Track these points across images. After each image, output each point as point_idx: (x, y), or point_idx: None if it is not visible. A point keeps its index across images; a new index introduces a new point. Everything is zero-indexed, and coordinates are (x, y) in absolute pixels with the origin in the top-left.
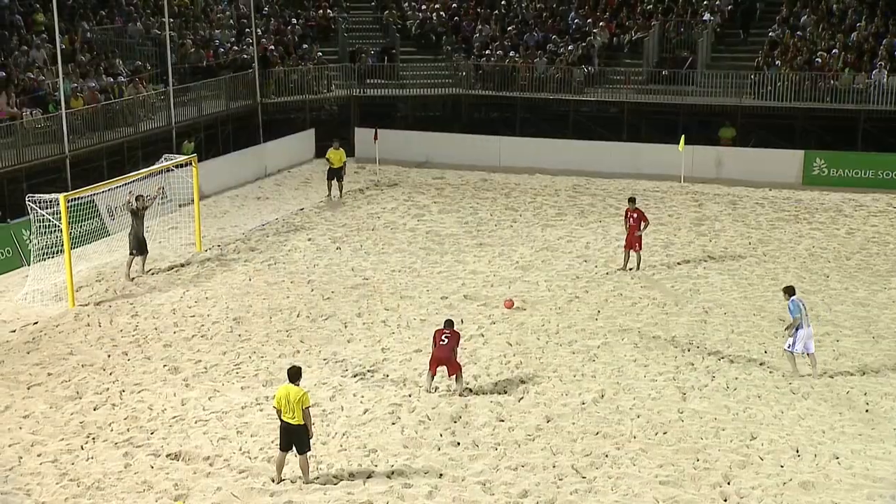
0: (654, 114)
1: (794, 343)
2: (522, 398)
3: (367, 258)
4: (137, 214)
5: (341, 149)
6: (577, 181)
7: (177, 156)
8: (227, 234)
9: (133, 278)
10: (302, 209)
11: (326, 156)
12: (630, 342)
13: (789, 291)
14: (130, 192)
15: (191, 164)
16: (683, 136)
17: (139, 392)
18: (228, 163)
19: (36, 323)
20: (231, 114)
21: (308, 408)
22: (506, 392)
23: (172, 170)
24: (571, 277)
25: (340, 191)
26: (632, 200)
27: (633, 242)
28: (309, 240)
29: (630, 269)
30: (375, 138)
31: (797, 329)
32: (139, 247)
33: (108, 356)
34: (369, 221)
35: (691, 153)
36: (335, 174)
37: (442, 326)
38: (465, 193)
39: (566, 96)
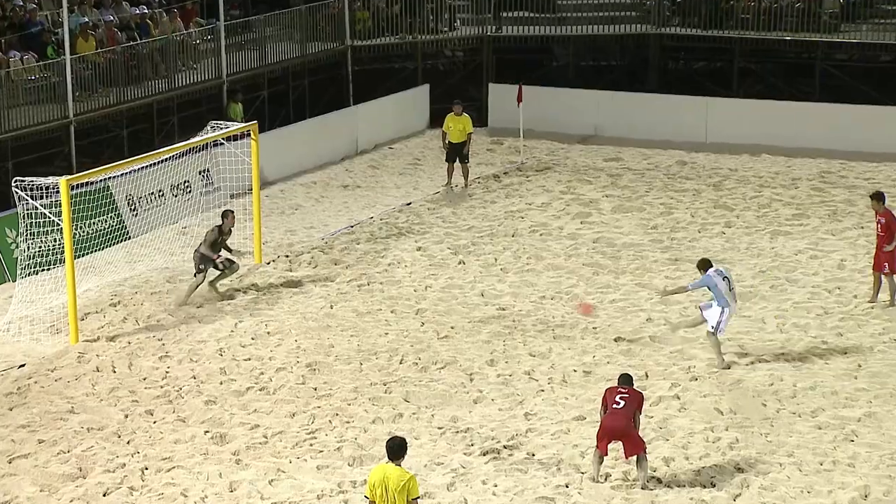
0: None
1: (719, 325)
2: (740, 495)
3: (503, 278)
4: (220, 239)
5: (466, 114)
6: (827, 165)
7: (229, 123)
8: (298, 239)
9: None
10: (409, 204)
11: (444, 125)
12: None
13: (703, 265)
14: (226, 213)
15: (248, 135)
16: None
17: (169, 470)
18: (303, 134)
19: (23, 366)
20: (308, 62)
21: (416, 500)
22: (713, 485)
23: (223, 143)
24: (817, 313)
25: (465, 177)
26: (877, 197)
27: (881, 261)
28: (419, 249)
29: (884, 302)
30: (519, 100)
31: (723, 309)
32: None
33: (126, 416)
34: (508, 223)
35: None
36: (457, 152)
37: (616, 383)
38: (654, 183)
39: (811, 37)
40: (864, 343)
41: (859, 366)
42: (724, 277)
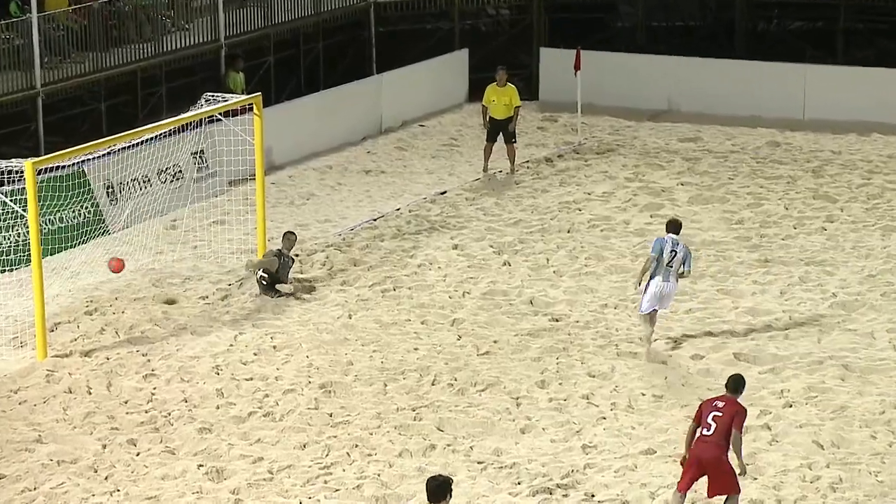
0: None
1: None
2: None
3: (557, 282)
4: (278, 266)
5: (511, 85)
6: None
7: (227, 95)
8: (311, 234)
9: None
10: (443, 193)
11: (485, 98)
12: None
13: (671, 226)
14: (288, 236)
15: (250, 109)
16: None
17: None
18: (316, 108)
19: None
20: (323, 22)
21: None
22: None
23: (220, 119)
24: None
25: (512, 161)
26: None
27: None
28: (455, 247)
29: None
30: (577, 68)
31: (650, 279)
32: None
33: (104, 447)
34: (563, 217)
35: None
36: (500, 131)
37: (715, 394)
38: (740, 168)
39: None
40: None
41: None
42: (672, 250)
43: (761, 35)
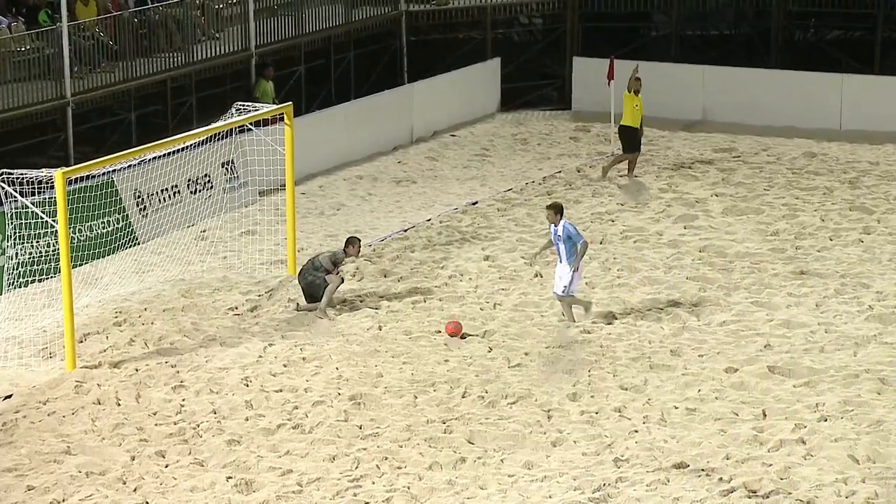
0: None
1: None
2: None
3: (589, 293)
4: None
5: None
6: None
7: (258, 105)
8: (340, 245)
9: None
10: (475, 203)
11: (631, 107)
12: None
13: (556, 209)
14: (351, 240)
15: (281, 119)
16: None
17: None
18: (347, 118)
19: (9, 397)
20: (355, 31)
21: None
22: None
23: (251, 129)
24: None
25: (612, 166)
26: None
27: None
28: (486, 258)
29: None
30: (610, 77)
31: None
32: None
33: (132, 459)
34: (596, 228)
35: None
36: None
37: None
38: (775, 179)
39: None
40: None
41: None
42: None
43: (798, 44)
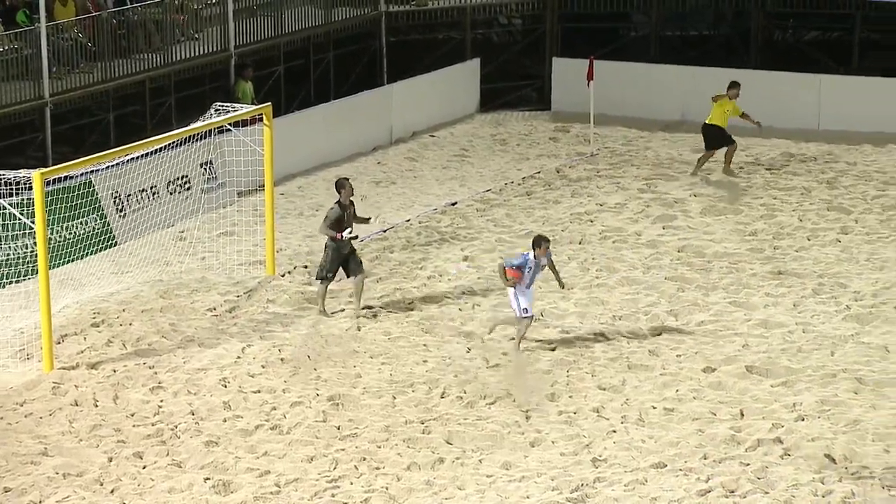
0: None
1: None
2: None
3: (568, 294)
4: (344, 216)
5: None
6: None
7: (237, 105)
8: (320, 246)
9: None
10: (454, 204)
11: (726, 102)
12: None
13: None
14: (340, 182)
15: (260, 119)
16: None
17: None
18: (326, 119)
19: None
20: (334, 31)
21: None
22: None
23: (229, 129)
24: None
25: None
26: None
27: None
28: (465, 259)
29: None
30: (590, 78)
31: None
32: (346, 267)
33: (110, 460)
34: (575, 228)
35: None
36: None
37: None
38: (753, 179)
39: None
40: None
41: None
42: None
43: (776, 45)
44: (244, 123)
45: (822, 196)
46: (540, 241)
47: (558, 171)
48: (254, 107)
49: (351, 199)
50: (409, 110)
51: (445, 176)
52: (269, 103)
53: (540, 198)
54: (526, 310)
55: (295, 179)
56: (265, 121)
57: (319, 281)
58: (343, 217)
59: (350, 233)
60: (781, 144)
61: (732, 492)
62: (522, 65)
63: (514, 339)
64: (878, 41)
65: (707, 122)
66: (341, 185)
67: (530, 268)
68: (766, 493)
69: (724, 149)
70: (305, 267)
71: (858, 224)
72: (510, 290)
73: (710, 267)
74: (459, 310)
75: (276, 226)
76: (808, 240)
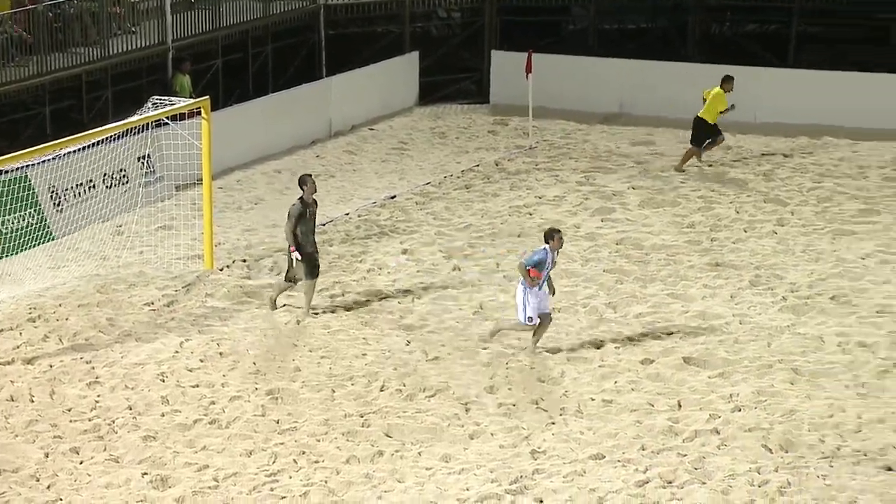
0: None
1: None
2: None
3: (507, 287)
4: (307, 212)
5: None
6: None
7: (174, 99)
8: (259, 239)
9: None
10: (393, 198)
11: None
12: None
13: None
14: (303, 179)
15: (198, 113)
16: None
17: None
18: (265, 112)
19: None
20: (272, 25)
21: None
22: None
23: (167, 123)
24: (888, 329)
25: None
26: None
27: None
28: (404, 252)
29: None
30: (528, 71)
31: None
32: (311, 269)
33: (46, 455)
34: (514, 221)
35: None
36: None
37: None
38: (691, 172)
39: None
40: None
41: None
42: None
43: (714, 38)
44: (182, 117)
45: (758, 188)
46: (553, 234)
47: (497, 164)
48: (192, 100)
49: (314, 196)
50: (348, 103)
51: (385, 169)
52: (207, 97)
53: (479, 191)
54: (531, 318)
55: (234, 173)
56: (203, 114)
57: (287, 280)
58: (305, 213)
59: (297, 255)
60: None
61: (670, 482)
62: (461, 58)
63: (488, 340)
64: (815, 34)
65: (700, 114)
66: (304, 181)
67: (548, 264)
68: (704, 483)
69: (710, 142)
70: (244, 261)
71: (794, 216)
72: (520, 293)
73: (649, 259)
74: (399, 303)
75: (214, 220)
76: (745, 232)
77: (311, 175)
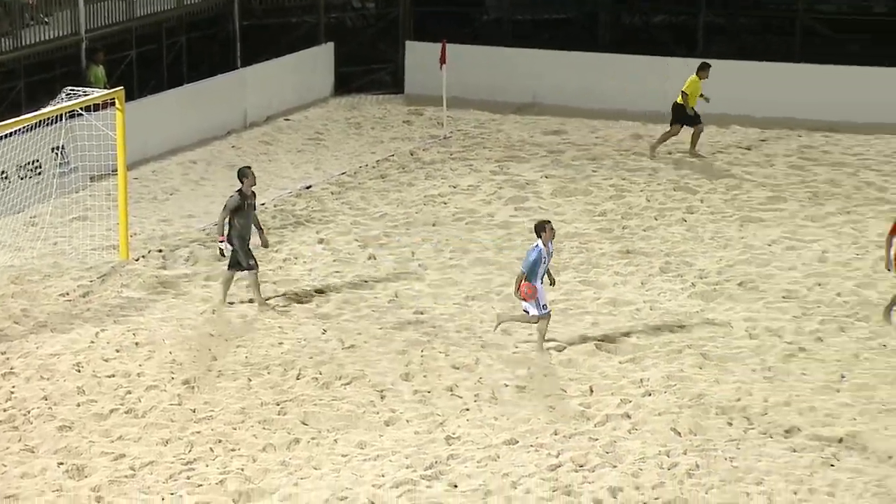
0: None
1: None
2: None
3: (422, 276)
4: (244, 205)
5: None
6: (808, 139)
7: (88, 90)
8: (174, 230)
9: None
10: (309, 188)
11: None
12: None
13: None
14: (243, 171)
15: (112, 103)
16: None
17: None
18: (180, 103)
19: None
20: (186, 16)
21: None
22: None
23: (81, 114)
24: (793, 314)
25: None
26: None
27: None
28: (321, 241)
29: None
30: (442, 61)
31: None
32: (247, 258)
33: None
34: (428, 210)
35: None
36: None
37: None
38: (602, 161)
39: None
40: (848, 350)
41: (842, 377)
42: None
43: (625, 28)
44: (96, 108)
45: (669, 177)
46: (543, 226)
47: (412, 154)
48: (106, 91)
49: (253, 189)
50: (263, 94)
51: (300, 159)
52: (121, 87)
53: (394, 180)
54: (545, 306)
55: (149, 164)
56: (117, 105)
57: (230, 269)
58: (242, 206)
59: (227, 246)
60: (630, 126)
61: (582, 466)
62: (376, 48)
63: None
64: (723, 25)
65: (678, 101)
66: (244, 174)
67: (545, 259)
68: (615, 466)
69: (690, 129)
70: (160, 251)
71: (704, 203)
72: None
73: (561, 247)
74: (315, 292)
75: (129, 210)
76: (656, 219)
77: (250, 168)
